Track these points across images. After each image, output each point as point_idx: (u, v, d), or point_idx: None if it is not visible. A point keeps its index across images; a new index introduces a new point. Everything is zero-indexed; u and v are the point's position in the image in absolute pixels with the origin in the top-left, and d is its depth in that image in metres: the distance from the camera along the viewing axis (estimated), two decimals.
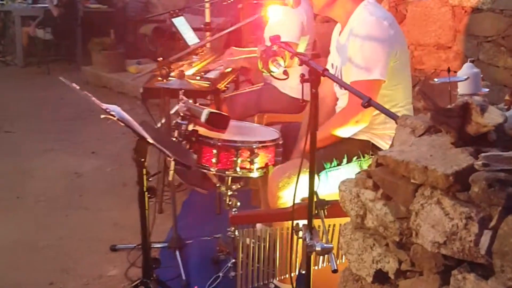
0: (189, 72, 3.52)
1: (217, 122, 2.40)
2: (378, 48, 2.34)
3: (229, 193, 2.65)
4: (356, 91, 1.72)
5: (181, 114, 2.55)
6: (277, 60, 2.18)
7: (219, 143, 2.47)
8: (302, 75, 1.76)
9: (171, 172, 2.66)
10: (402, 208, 1.49)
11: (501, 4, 3.50)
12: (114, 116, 1.97)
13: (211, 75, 3.59)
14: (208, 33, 4.80)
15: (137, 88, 5.03)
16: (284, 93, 3.71)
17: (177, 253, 3.05)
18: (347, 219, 1.85)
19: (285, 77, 2.11)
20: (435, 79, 1.77)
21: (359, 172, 1.69)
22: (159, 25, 7.09)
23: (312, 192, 1.81)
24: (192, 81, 3.17)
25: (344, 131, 2.42)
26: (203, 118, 2.39)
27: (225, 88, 3.66)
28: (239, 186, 2.66)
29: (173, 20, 4.03)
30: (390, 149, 1.60)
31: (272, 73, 2.21)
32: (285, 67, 2.19)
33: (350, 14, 2.49)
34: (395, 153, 1.50)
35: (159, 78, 2.91)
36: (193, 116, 2.49)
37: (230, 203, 2.66)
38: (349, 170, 2.42)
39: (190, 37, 4.10)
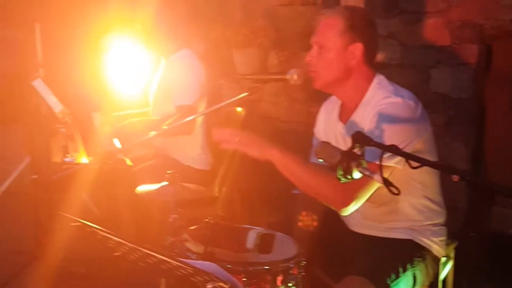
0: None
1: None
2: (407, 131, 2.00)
3: None
4: None
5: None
6: (361, 164, 1.67)
7: (250, 268, 1.82)
8: None
9: None
10: None
11: (411, 59, 3.46)
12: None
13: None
14: None
15: None
16: (187, 165, 3.21)
17: None
18: None
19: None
20: None
21: None
22: None
23: None
24: None
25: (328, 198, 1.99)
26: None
27: None
28: None
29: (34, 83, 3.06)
30: None
31: (348, 179, 1.69)
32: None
33: (364, 93, 2.13)
34: None
35: None
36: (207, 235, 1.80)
37: None
38: (405, 280, 2.05)
39: (54, 102, 3.12)
